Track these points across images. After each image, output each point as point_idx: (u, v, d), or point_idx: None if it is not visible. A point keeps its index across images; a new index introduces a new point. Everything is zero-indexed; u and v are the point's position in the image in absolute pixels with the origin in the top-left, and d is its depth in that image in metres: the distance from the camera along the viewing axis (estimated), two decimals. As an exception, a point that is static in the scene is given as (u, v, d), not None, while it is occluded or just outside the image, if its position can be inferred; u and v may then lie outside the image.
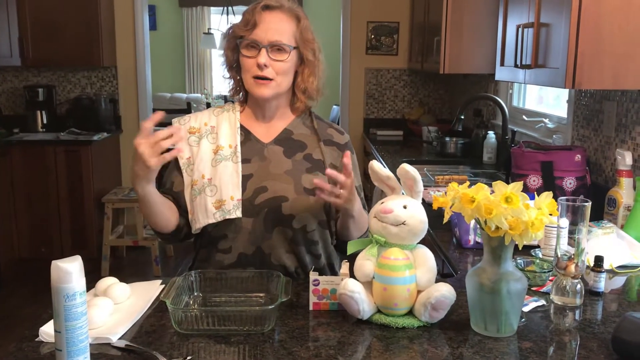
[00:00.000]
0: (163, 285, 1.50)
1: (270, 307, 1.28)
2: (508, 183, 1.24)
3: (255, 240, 1.64)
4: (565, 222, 1.41)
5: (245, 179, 1.65)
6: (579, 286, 1.42)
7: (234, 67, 1.72)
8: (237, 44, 1.66)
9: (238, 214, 1.61)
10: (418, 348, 1.23)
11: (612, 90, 2.34)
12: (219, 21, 9.32)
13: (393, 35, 5.13)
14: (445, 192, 1.30)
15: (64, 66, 5.02)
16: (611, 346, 1.20)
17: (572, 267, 1.41)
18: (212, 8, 9.48)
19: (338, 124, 5.49)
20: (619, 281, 1.67)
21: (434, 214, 1.45)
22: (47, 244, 4.61)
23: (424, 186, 1.41)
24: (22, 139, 4.58)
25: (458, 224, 1.93)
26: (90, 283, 1.35)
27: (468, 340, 1.25)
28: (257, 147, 1.71)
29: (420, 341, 1.25)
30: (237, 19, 1.74)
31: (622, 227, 1.95)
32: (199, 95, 9.05)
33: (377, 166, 1.41)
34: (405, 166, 1.36)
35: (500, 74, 2.56)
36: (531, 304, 1.43)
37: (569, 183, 2.21)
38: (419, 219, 1.34)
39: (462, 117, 3.28)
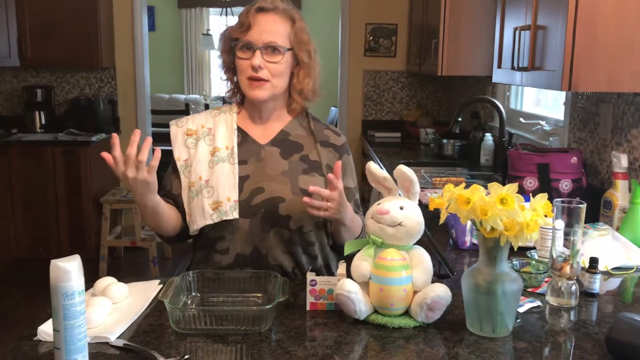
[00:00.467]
0: (161, 285, 1.51)
1: (267, 307, 1.29)
2: (504, 185, 1.25)
3: (252, 241, 1.65)
4: (560, 224, 1.42)
5: (242, 180, 1.66)
6: (574, 287, 1.43)
7: (231, 69, 1.73)
8: (232, 46, 1.67)
9: (235, 215, 1.62)
10: (414, 348, 1.24)
11: (608, 93, 2.36)
12: (218, 22, 9.34)
13: (391, 37, 5.14)
14: (442, 194, 1.31)
15: (62, 67, 5.02)
16: (605, 347, 1.21)
17: (568, 269, 1.42)
18: (211, 9, 9.49)
19: (336, 125, 5.52)
20: (614, 283, 1.68)
21: (430, 216, 1.46)
22: (45, 245, 4.61)
23: (421, 188, 1.43)
24: (20, 139, 4.58)
25: (455, 226, 1.94)
26: (88, 283, 1.36)
27: (464, 341, 1.26)
28: (254, 148, 1.72)
29: (416, 341, 1.26)
30: (235, 20, 1.75)
31: (617, 229, 1.96)
32: (198, 96, 9.05)
33: (374, 167, 1.42)
34: (402, 167, 1.37)
35: (498, 76, 2.57)
36: (527, 305, 1.44)
37: (565, 185, 2.23)
38: (415, 220, 1.35)
39: (460, 119, 3.29)
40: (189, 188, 1.67)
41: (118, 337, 1.25)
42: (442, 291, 1.30)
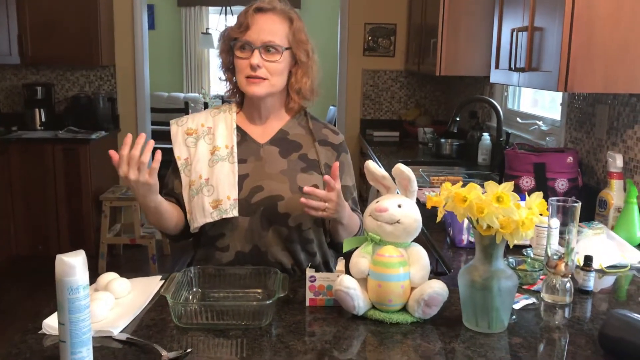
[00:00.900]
0: (163, 281, 1.53)
1: (267, 302, 1.31)
2: (501, 184, 1.27)
3: (252, 239, 1.67)
4: (556, 223, 1.45)
5: (242, 178, 1.69)
6: (568, 285, 1.46)
7: (230, 69, 1.75)
8: (231, 46, 1.70)
9: (235, 213, 1.65)
10: (411, 343, 1.26)
11: (604, 94, 2.38)
12: (217, 21, 9.35)
13: (390, 37, 5.17)
14: (439, 192, 1.33)
15: (62, 65, 5.04)
16: (598, 342, 1.23)
17: (562, 266, 1.45)
18: (210, 8, 9.50)
19: (335, 124, 5.54)
20: (608, 280, 1.71)
21: (428, 214, 1.48)
22: (45, 242, 4.63)
23: (419, 187, 1.45)
24: (20, 137, 4.60)
25: (452, 224, 1.96)
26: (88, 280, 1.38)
27: (460, 336, 1.29)
28: (253, 147, 1.75)
29: (413, 336, 1.29)
30: (235, 19, 1.77)
31: (612, 228, 1.99)
32: (197, 94, 9.07)
33: (373, 166, 1.44)
34: (400, 166, 1.39)
35: (495, 76, 2.60)
36: (522, 302, 1.46)
37: (561, 184, 2.25)
38: (413, 217, 1.37)
39: (458, 118, 3.32)
40: (189, 186, 1.69)
41: (121, 331, 1.27)
42: (439, 287, 1.32)
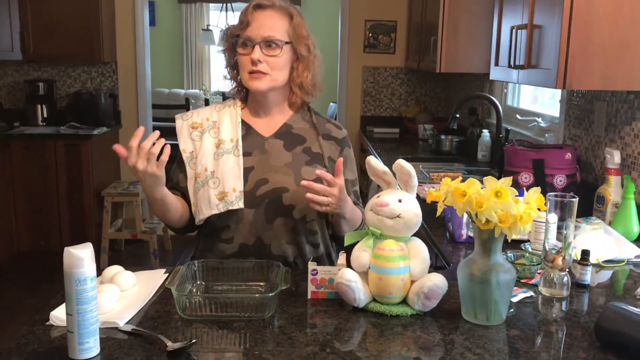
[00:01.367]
0: (167, 274, 1.56)
1: (270, 294, 1.34)
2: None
3: (257, 231, 1.70)
4: (553, 218, 1.47)
5: (247, 171, 1.71)
6: (565, 278, 1.49)
7: (234, 66, 1.78)
8: (233, 44, 1.73)
9: (240, 205, 1.67)
10: (411, 335, 1.29)
11: (602, 91, 2.41)
12: (218, 18, 9.36)
13: (390, 34, 5.19)
14: (439, 187, 1.36)
15: (64, 61, 5.06)
16: (594, 334, 1.26)
17: (560, 260, 1.47)
18: (211, 4, 9.51)
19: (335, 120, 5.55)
20: (605, 275, 1.73)
21: (428, 209, 1.51)
22: (46, 237, 4.65)
23: (419, 183, 1.48)
24: (22, 132, 4.62)
25: (451, 219, 1.98)
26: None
27: (459, 328, 1.31)
28: (258, 140, 1.77)
29: (413, 328, 1.31)
30: (235, 15, 1.80)
31: (610, 224, 2.02)
32: (197, 91, 9.09)
33: (374, 161, 1.47)
34: (401, 161, 1.42)
35: (495, 73, 2.62)
36: (520, 295, 1.48)
37: (560, 180, 2.28)
38: (413, 212, 1.39)
39: (458, 115, 3.34)
40: (194, 179, 1.72)
41: (127, 323, 1.29)
42: (438, 280, 1.35)
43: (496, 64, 2.58)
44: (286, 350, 1.20)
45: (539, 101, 3.64)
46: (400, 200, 1.39)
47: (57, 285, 1.23)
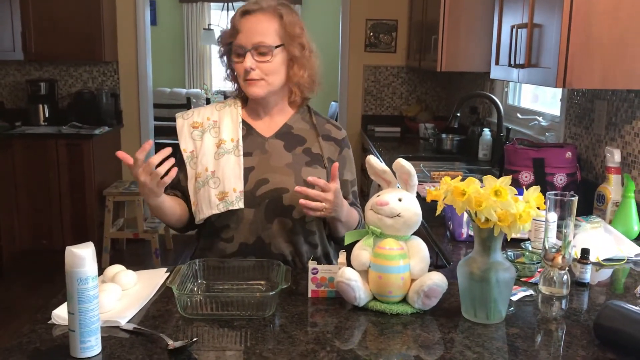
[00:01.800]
0: (168, 273, 1.56)
1: (271, 293, 1.35)
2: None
3: (256, 231, 1.71)
4: (553, 216, 1.47)
5: (247, 171, 1.72)
6: (565, 277, 1.49)
7: (232, 70, 1.79)
8: (227, 51, 1.74)
9: (240, 205, 1.68)
10: (411, 333, 1.29)
11: (603, 90, 2.41)
12: (219, 17, 9.37)
13: (391, 33, 5.19)
14: (439, 186, 1.36)
15: (66, 60, 5.06)
16: (593, 332, 1.26)
17: (559, 259, 1.47)
18: (212, 4, 9.52)
19: (336, 120, 5.56)
20: (605, 273, 1.73)
21: (428, 208, 1.51)
22: (48, 237, 4.66)
23: (420, 181, 1.48)
24: (24, 132, 4.63)
25: (452, 218, 1.99)
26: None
27: (458, 326, 1.32)
28: (259, 141, 1.78)
29: (413, 327, 1.32)
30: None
31: (610, 222, 2.02)
32: (199, 90, 9.09)
33: (374, 161, 1.47)
34: (401, 161, 1.42)
35: (495, 72, 2.62)
36: (520, 294, 1.49)
37: (560, 179, 2.28)
38: (413, 211, 1.40)
39: (459, 114, 3.34)
40: (195, 179, 1.73)
41: (128, 321, 1.30)
42: (438, 279, 1.35)
43: (496, 62, 2.58)
44: (287, 348, 1.21)
45: (540, 100, 3.64)
46: (400, 199, 1.40)
47: (59, 284, 1.24)
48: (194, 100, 8.30)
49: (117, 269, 1.52)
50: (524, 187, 1.95)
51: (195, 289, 1.50)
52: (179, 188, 1.78)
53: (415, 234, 1.44)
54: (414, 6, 4.90)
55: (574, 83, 1.94)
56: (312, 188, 1.57)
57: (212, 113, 1.80)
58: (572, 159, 2.31)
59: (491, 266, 1.32)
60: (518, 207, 1.26)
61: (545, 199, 1.35)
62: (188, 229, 1.81)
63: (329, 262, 1.82)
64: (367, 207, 1.44)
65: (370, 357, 1.20)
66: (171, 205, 1.69)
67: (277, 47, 1.69)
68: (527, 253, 1.67)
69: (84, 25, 4.70)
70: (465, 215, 1.91)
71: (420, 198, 1.45)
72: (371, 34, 5.18)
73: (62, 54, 4.81)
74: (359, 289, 1.38)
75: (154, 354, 1.18)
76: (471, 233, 1.94)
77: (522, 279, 1.59)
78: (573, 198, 1.43)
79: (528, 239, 1.87)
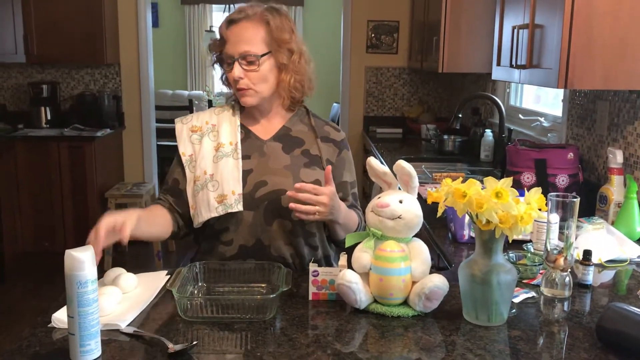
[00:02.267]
0: (169, 276, 1.56)
1: (271, 296, 1.34)
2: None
3: (256, 233, 1.70)
4: (555, 218, 1.47)
5: (246, 174, 1.71)
6: (567, 279, 1.48)
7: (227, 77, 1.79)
8: (219, 59, 1.75)
9: (239, 207, 1.68)
10: (412, 336, 1.29)
11: (605, 90, 2.40)
12: (221, 19, 9.35)
13: (393, 34, 5.18)
14: (440, 188, 1.36)
15: (67, 63, 5.07)
16: (595, 335, 1.26)
17: (561, 261, 1.47)
18: (213, 6, 9.51)
19: (338, 121, 5.57)
20: (608, 275, 1.73)
21: (429, 210, 1.50)
22: (50, 239, 4.67)
23: (422, 183, 1.48)
24: (26, 134, 4.64)
25: (453, 220, 1.98)
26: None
27: (460, 329, 1.31)
28: (257, 143, 1.78)
29: (414, 329, 1.31)
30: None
31: (612, 223, 2.01)
32: (201, 92, 9.09)
33: (374, 162, 1.47)
34: (401, 162, 1.42)
35: (497, 73, 2.62)
36: (522, 296, 1.48)
37: (562, 180, 2.27)
38: (414, 213, 1.39)
39: (460, 115, 3.34)
40: (193, 182, 1.72)
41: (128, 325, 1.30)
42: (439, 281, 1.35)
43: (498, 63, 2.58)
44: (287, 351, 1.20)
45: (542, 101, 3.63)
46: (401, 201, 1.39)
47: (61, 286, 1.23)
48: (196, 102, 8.30)
49: (117, 272, 1.52)
50: (525, 188, 1.94)
51: (195, 291, 1.49)
52: (172, 192, 1.77)
53: (416, 235, 1.43)
54: (415, 7, 4.90)
55: (576, 84, 1.94)
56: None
57: (211, 117, 1.81)
58: (574, 160, 2.30)
59: (493, 268, 1.31)
60: (519, 208, 1.25)
61: (547, 200, 1.35)
62: (175, 238, 1.79)
63: (330, 265, 1.82)
64: (368, 209, 1.43)
65: (371, 359, 1.19)
66: (147, 228, 1.62)
67: (263, 55, 1.68)
68: (529, 255, 1.66)
69: (86, 28, 4.71)
70: (467, 217, 1.90)
71: (422, 199, 1.45)
72: (373, 35, 5.18)
73: (64, 56, 4.82)
74: (360, 292, 1.37)
75: (153, 358, 1.17)
76: (473, 235, 1.94)
77: (523, 281, 1.58)
78: (575, 199, 1.42)
79: (530, 241, 1.86)
